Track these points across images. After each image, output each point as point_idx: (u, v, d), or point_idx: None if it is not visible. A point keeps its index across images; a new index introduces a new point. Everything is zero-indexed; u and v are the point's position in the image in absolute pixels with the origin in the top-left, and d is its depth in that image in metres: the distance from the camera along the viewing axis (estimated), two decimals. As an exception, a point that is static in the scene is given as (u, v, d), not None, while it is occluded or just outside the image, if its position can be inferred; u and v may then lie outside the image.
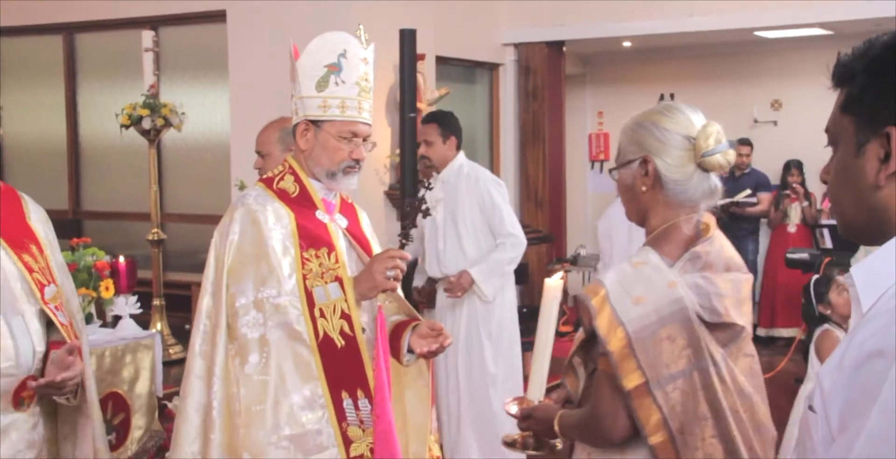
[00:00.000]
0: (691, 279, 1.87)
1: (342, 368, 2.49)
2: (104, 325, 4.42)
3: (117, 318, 4.42)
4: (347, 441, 2.49)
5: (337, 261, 2.57)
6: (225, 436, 2.48)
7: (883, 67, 1.19)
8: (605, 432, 1.88)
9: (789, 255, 7.02)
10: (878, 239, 1.23)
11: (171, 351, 6.33)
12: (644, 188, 1.95)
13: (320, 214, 2.63)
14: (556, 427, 2.01)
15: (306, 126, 2.61)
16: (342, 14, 6.17)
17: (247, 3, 6.78)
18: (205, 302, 2.56)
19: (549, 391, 2.12)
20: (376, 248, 2.73)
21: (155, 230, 6.51)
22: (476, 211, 4.65)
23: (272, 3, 6.63)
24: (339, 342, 2.48)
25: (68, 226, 7.51)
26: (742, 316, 1.93)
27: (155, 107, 6.26)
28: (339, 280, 2.54)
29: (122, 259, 4.56)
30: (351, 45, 2.59)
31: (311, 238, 2.57)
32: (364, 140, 2.63)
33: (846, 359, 1.14)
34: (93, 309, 4.31)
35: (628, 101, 9.93)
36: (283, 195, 2.62)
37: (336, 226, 2.66)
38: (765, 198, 8.13)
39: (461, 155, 4.78)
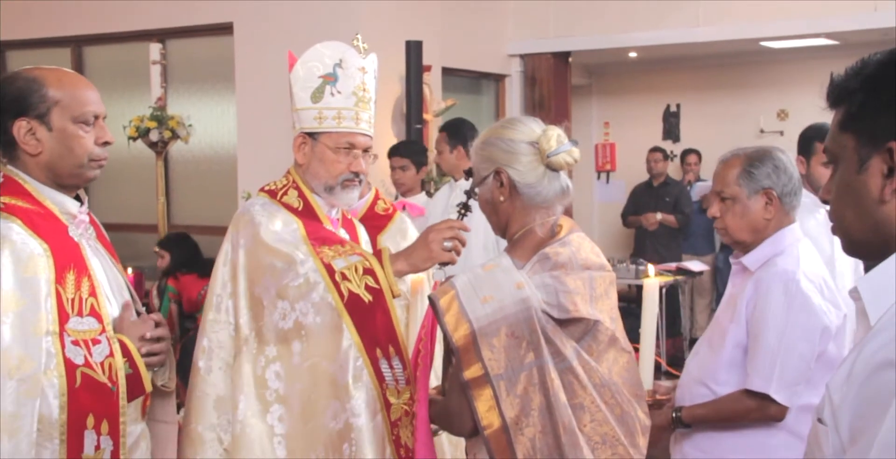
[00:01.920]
0: (540, 279, 1.96)
1: (373, 323, 2.35)
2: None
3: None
4: (388, 405, 2.37)
5: (353, 248, 2.47)
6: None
7: (880, 84, 1.20)
8: (456, 427, 2.04)
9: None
10: (882, 253, 1.23)
11: (178, 362, 6.33)
12: (502, 198, 2.06)
13: (327, 227, 2.59)
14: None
15: (303, 139, 2.55)
16: (349, 26, 6.19)
17: (254, 16, 6.81)
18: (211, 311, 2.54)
19: None
20: None
21: (162, 241, 6.52)
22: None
23: (279, 16, 6.66)
24: (367, 297, 2.33)
25: (76, 238, 7.50)
26: (600, 311, 2.00)
27: (162, 119, 6.30)
28: (360, 254, 2.42)
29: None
30: (348, 54, 2.53)
31: (323, 239, 2.49)
32: (365, 152, 2.55)
33: (855, 371, 1.14)
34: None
35: (634, 112, 9.94)
36: (288, 208, 2.56)
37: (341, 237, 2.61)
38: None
39: None
